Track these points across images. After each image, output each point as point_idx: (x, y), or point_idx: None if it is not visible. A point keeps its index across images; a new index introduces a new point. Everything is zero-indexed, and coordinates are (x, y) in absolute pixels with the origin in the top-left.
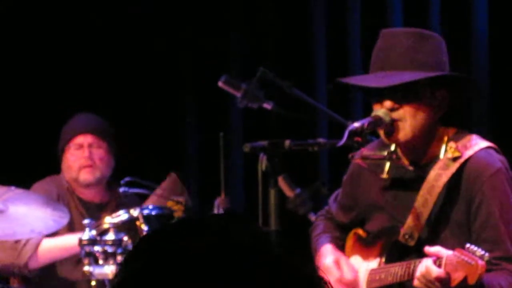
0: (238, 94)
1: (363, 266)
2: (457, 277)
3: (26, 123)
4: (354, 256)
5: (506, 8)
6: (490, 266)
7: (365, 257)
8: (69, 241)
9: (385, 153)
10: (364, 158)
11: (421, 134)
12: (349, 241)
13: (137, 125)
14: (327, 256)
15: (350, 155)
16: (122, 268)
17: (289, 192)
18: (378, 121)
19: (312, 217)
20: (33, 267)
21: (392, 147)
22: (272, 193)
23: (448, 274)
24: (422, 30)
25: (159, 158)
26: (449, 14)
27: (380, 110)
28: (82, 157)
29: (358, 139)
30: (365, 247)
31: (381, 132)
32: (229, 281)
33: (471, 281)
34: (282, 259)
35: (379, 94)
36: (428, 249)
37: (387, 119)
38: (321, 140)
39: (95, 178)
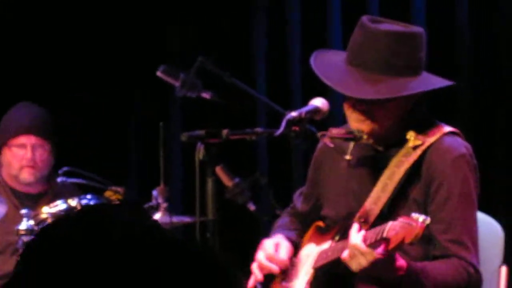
0: (177, 84)
1: (315, 250)
2: (396, 239)
3: None
4: (310, 244)
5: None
6: (441, 250)
7: (319, 242)
8: None
9: (355, 132)
10: (332, 137)
11: (393, 124)
12: (309, 232)
13: (78, 114)
14: (272, 239)
15: (319, 134)
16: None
17: (227, 182)
18: (316, 110)
19: (251, 206)
20: None
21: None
22: (209, 182)
23: (387, 240)
24: (403, 28)
25: (99, 148)
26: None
27: (318, 99)
28: (24, 158)
29: (296, 128)
30: (321, 234)
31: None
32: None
33: (407, 240)
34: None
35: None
36: None
37: (324, 108)
38: (258, 129)
39: (36, 179)
